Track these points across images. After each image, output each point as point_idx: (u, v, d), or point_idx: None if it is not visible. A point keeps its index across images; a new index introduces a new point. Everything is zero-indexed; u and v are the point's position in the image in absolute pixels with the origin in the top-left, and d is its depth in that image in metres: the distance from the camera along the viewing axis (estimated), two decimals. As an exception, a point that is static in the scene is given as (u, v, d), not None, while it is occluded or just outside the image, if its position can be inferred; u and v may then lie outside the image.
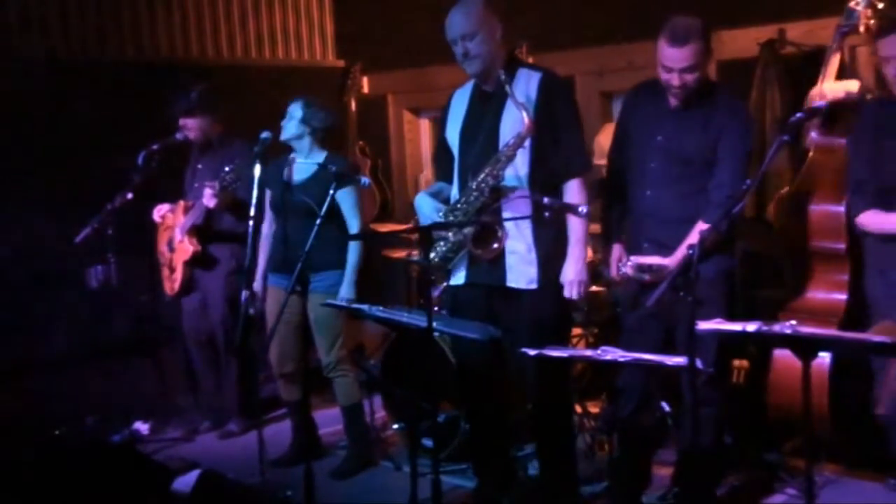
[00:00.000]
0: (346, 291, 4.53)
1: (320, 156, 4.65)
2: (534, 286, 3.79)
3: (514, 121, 3.72)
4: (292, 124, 4.64)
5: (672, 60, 3.57)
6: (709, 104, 3.68)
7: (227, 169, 4.88)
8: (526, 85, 3.78)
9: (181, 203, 5.34)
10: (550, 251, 3.80)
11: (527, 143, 3.71)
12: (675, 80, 3.60)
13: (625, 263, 3.77)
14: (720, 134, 3.63)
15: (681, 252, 3.58)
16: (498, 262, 3.80)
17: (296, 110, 4.65)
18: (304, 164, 4.63)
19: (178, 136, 5.35)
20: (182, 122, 5.27)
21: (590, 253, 5.32)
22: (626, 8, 5.55)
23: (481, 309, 3.86)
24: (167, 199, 5.43)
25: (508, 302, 3.83)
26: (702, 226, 3.53)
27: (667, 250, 3.67)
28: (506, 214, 3.74)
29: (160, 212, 5.40)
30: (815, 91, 4.30)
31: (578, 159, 3.81)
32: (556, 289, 3.82)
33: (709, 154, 3.65)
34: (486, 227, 3.75)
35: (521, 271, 3.79)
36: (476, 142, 3.84)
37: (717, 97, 3.72)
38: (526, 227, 3.76)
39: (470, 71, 3.83)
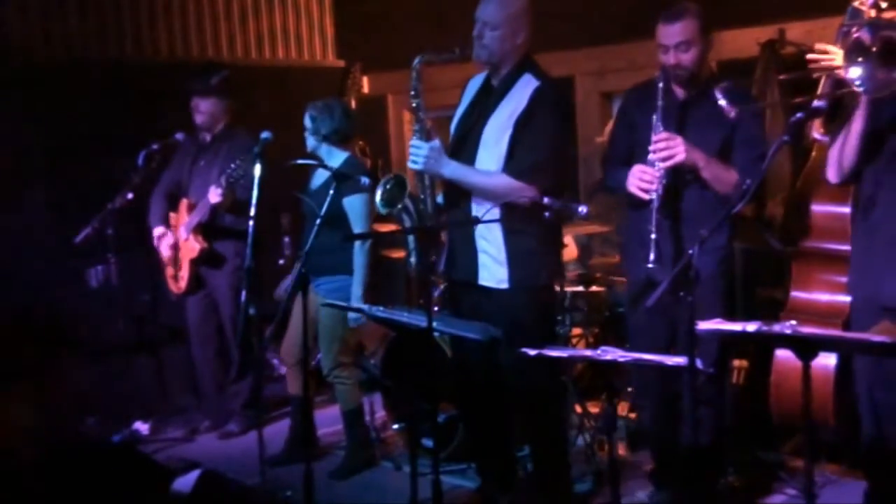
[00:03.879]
0: (356, 297, 4.49)
1: (339, 159, 4.65)
2: (504, 286, 3.79)
3: (499, 123, 3.76)
4: (308, 137, 4.69)
5: (667, 36, 3.65)
6: (710, 97, 3.68)
7: (233, 165, 4.87)
8: (523, 92, 3.77)
9: (184, 201, 5.33)
10: (521, 252, 3.78)
11: (505, 141, 3.74)
12: (671, 58, 3.65)
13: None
14: (732, 136, 3.65)
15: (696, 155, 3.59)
16: (472, 258, 3.83)
17: (306, 122, 4.68)
18: (321, 170, 4.64)
19: (179, 135, 5.35)
20: (195, 102, 5.26)
21: (575, 250, 5.33)
22: (626, 8, 5.55)
23: (466, 305, 3.90)
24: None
25: (485, 300, 3.85)
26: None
27: (676, 244, 3.69)
28: (477, 215, 3.75)
29: (161, 238, 5.38)
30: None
31: (521, 163, 3.71)
32: (530, 291, 3.80)
33: (712, 146, 3.65)
34: (398, 183, 3.78)
35: (492, 270, 3.81)
36: (466, 136, 3.87)
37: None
38: (496, 227, 3.76)
39: (475, 54, 3.82)
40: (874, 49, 2.85)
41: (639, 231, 3.73)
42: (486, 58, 3.80)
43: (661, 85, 3.66)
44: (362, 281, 4.53)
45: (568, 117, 3.94)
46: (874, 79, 2.86)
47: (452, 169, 3.79)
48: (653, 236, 3.59)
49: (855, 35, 2.89)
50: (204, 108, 5.26)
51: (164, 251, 5.38)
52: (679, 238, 3.72)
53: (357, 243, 4.50)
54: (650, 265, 3.57)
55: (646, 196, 3.64)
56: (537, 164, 3.72)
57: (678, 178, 3.69)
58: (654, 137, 3.63)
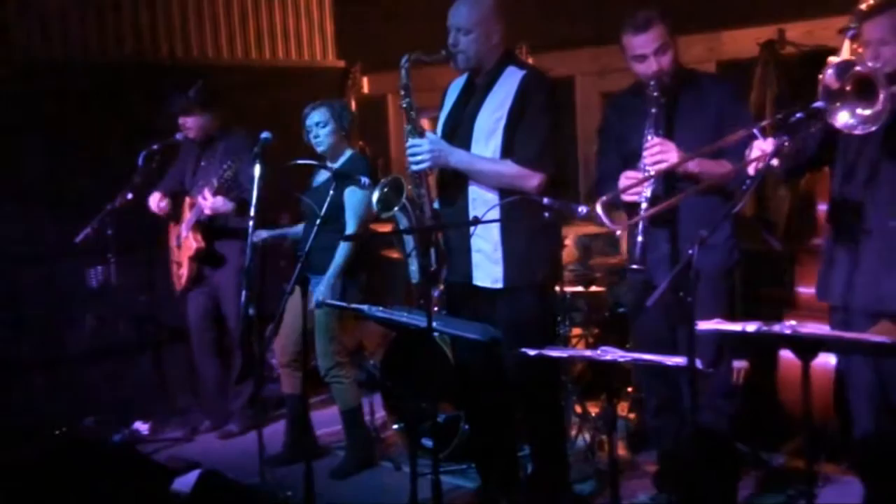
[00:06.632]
0: (320, 292, 4.44)
1: (345, 155, 4.65)
2: (499, 286, 3.75)
3: (490, 117, 3.73)
4: (326, 134, 4.59)
5: (642, 47, 3.59)
6: (693, 91, 3.69)
7: (223, 166, 4.87)
8: (509, 82, 3.76)
9: (187, 200, 5.33)
10: (519, 251, 3.73)
11: (500, 132, 3.71)
12: (652, 65, 3.59)
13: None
14: (721, 119, 3.60)
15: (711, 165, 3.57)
16: (466, 259, 3.78)
17: (324, 119, 4.59)
18: (325, 169, 4.63)
19: (178, 136, 5.35)
20: (182, 121, 5.26)
21: (573, 251, 5.32)
22: (626, 8, 5.54)
23: (464, 308, 3.86)
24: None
25: (482, 300, 3.82)
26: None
27: (674, 243, 3.67)
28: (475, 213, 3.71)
29: (157, 203, 5.36)
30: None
31: (526, 150, 3.69)
32: (525, 290, 3.76)
33: (705, 135, 3.59)
34: (394, 186, 3.74)
35: (487, 270, 3.76)
36: (454, 133, 3.84)
37: (700, 82, 3.74)
38: (493, 225, 3.70)
39: (453, 64, 3.81)
40: (847, 89, 2.86)
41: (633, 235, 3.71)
42: (465, 64, 3.78)
43: (655, 94, 3.59)
44: (333, 276, 4.47)
45: (557, 106, 3.89)
46: (860, 116, 2.85)
47: (459, 156, 3.74)
48: (639, 239, 3.51)
49: (823, 83, 2.87)
50: (192, 124, 5.25)
51: (155, 208, 5.35)
52: (676, 237, 3.69)
53: (343, 244, 4.46)
54: (633, 266, 3.51)
55: (636, 199, 3.57)
56: (540, 151, 3.70)
57: (672, 179, 3.65)
58: (646, 144, 3.56)
